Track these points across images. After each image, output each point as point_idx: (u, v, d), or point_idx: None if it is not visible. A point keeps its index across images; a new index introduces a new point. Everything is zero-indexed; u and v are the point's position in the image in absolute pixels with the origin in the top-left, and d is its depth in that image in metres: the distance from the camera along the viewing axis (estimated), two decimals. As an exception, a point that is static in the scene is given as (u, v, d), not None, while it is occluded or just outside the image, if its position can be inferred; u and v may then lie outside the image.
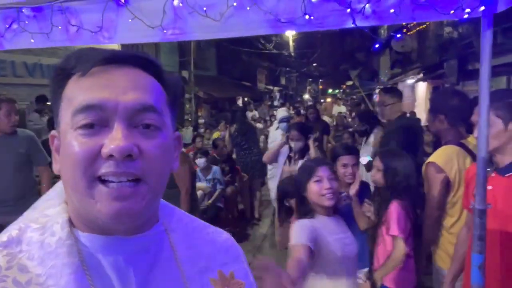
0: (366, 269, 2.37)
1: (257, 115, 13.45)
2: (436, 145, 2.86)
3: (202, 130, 9.50)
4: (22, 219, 0.63)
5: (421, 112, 9.40)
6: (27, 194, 3.14)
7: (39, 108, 6.49)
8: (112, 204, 0.54)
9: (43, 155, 3.29)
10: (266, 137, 7.63)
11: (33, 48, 2.05)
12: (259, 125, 10.52)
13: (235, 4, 1.70)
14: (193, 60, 14.37)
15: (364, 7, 1.59)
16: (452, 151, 2.25)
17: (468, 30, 7.65)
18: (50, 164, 3.32)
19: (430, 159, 2.27)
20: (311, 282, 1.80)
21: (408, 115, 4.77)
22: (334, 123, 9.19)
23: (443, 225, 2.28)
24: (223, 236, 0.76)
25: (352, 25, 1.63)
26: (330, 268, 1.81)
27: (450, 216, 2.26)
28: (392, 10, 1.59)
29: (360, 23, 1.63)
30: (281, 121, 5.41)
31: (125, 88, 0.56)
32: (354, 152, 2.77)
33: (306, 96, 32.99)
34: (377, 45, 13.95)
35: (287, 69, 31.00)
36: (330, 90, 34.80)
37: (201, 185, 5.23)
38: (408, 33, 11.82)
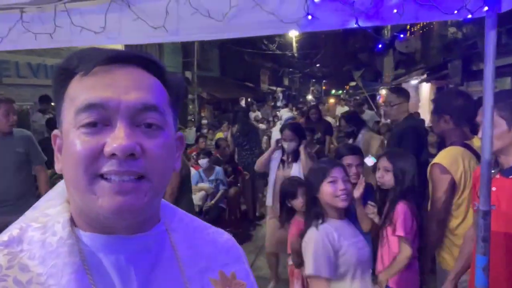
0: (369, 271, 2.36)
1: (260, 116, 13.46)
2: (440, 146, 2.84)
3: (205, 131, 9.49)
4: (23, 219, 0.63)
5: (425, 113, 9.37)
6: (27, 193, 3.16)
7: (43, 108, 6.53)
8: (114, 199, 0.54)
9: (40, 154, 3.34)
10: (269, 137, 7.63)
11: (37, 49, 2.06)
12: (262, 126, 10.52)
13: (237, 4, 1.70)
14: (196, 60, 14.39)
15: (367, 7, 1.59)
16: (457, 152, 2.23)
17: (472, 30, 7.62)
18: (46, 163, 3.34)
19: (436, 160, 2.26)
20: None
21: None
22: (338, 123, 9.17)
23: (448, 227, 2.27)
24: (224, 236, 0.76)
25: (355, 25, 1.63)
26: (345, 274, 1.80)
27: (455, 217, 2.24)
28: (395, 10, 1.58)
29: (363, 23, 1.63)
30: (286, 121, 5.44)
31: (128, 87, 0.57)
32: (358, 152, 2.76)
33: (309, 97, 32.95)
34: (380, 45, 13.92)
35: (290, 69, 31.02)
36: (333, 91, 34.73)
37: (203, 185, 5.23)
38: (412, 34, 11.79)
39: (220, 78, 17.89)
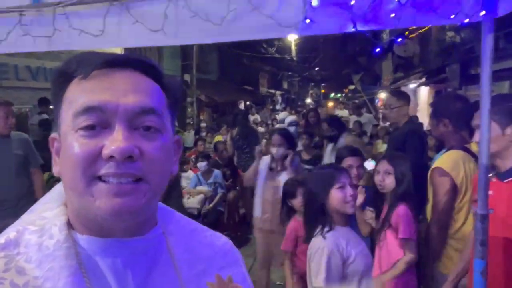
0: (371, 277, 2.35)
1: (259, 119, 13.45)
2: (439, 150, 2.84)
3: (204, 134, 9.48)
4: (20, 222, 0.63)
5: (423, 117, 9.38)
6: (26, 195, 3.17)
7: (41, 111, 6.52)
8: (112, 201, 0.54)
9: (37, 157, 3.36)
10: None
11: (36, 52, 2.06)
12: (261, 129, 10.52)
13: (236, 8, 1.71)
14: (195, 64, 14.42)
15: (365, 11, 1.59)
16: (458, 156, 2.23)
17: (470, 34, 7.66)
18: (41, 166, 3.35)
19: (436, 164, 2.25)
20: None
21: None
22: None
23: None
24: (222, 240, 0.76)
25: (353, 29, 1.63)
26: (352, 282, 1.80)
27: (455, 221, 2.23)
28: (393, 15, 1.59)
29: (361, 27, 1.63)
30: (289, 125, 5.42)
31: (126, 90, 0.57)
32: (359, 153, 2.77)
33: (308, 100, 33.00)
34: (378, 49, 13.95)
35: (289, 73, 31.07)
36: (332, 94, 34.80)
37: (202, 188, 5.22)
38: (410, 38, 11.83)
39: (219, 81, 17.91)
